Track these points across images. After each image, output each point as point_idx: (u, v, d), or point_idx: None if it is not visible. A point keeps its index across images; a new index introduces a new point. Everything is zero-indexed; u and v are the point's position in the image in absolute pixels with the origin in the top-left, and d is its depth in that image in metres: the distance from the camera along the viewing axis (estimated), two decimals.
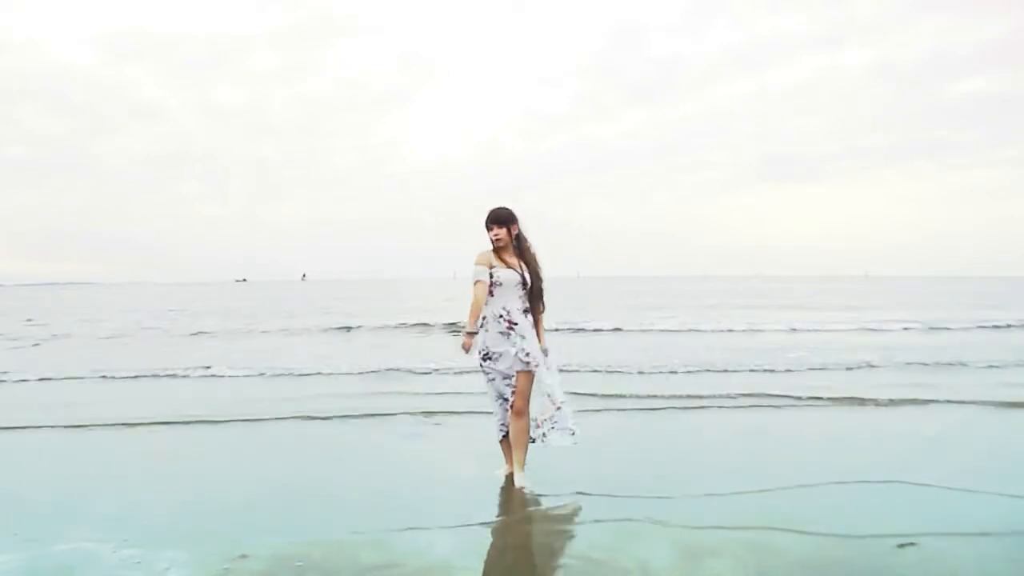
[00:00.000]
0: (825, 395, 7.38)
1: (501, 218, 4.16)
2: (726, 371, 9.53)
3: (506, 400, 4.23)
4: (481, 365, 4.27)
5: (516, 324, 4.15)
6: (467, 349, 4.19)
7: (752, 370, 9.55)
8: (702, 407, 6.93)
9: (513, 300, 4.18)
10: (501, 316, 4.16)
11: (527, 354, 4.11)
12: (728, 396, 7.39)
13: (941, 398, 7.19)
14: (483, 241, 4.25)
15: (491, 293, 4.19)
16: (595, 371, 9.59)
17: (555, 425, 4.19)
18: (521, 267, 4.20)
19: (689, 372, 9.45)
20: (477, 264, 4.16)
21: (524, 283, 4.19)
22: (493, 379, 4.24)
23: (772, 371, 9.47)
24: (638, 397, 7.42)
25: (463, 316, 4.29)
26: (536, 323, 4.28)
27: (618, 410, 6.72)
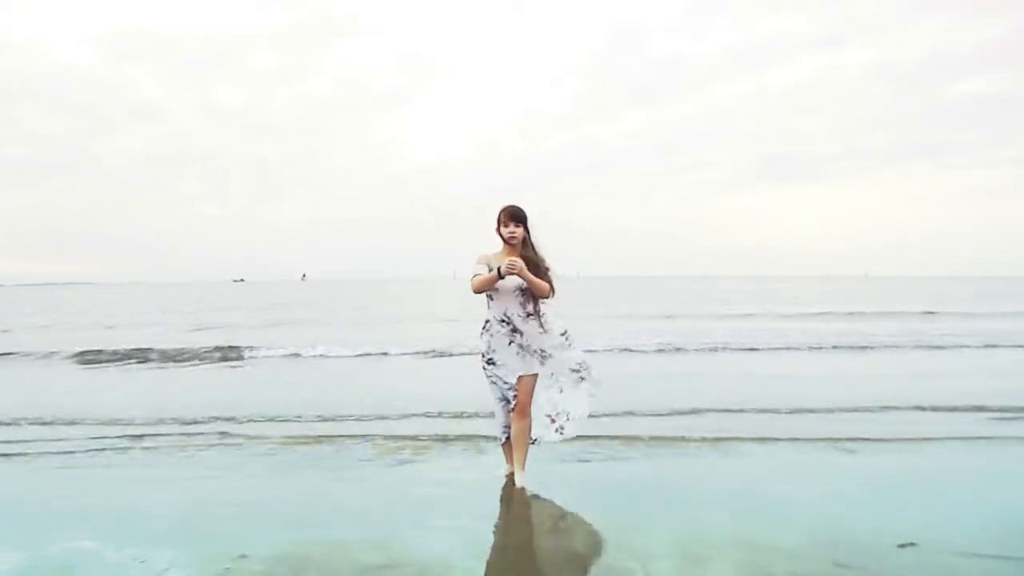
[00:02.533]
0: None
1: (519, 216, 4.10)
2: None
3: (508, 402, 4.22)
4: (484, 368, 4.26)
5: (519, 332, 4.12)
6: (509, 268, 3.91)
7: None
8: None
9: (513, 305, 4.13)
10: (503, 321, 4.14)
11: (542, 351, 4.13)
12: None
13: None
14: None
15: (491, 297, 4.18)
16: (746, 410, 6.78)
17: (569, 416, 4.18)
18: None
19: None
20: (477, 263, 4.10)
21: (524, 288, 4.11)
22: (495, 382, 4.24)
23: None
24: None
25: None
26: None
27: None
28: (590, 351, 4.66)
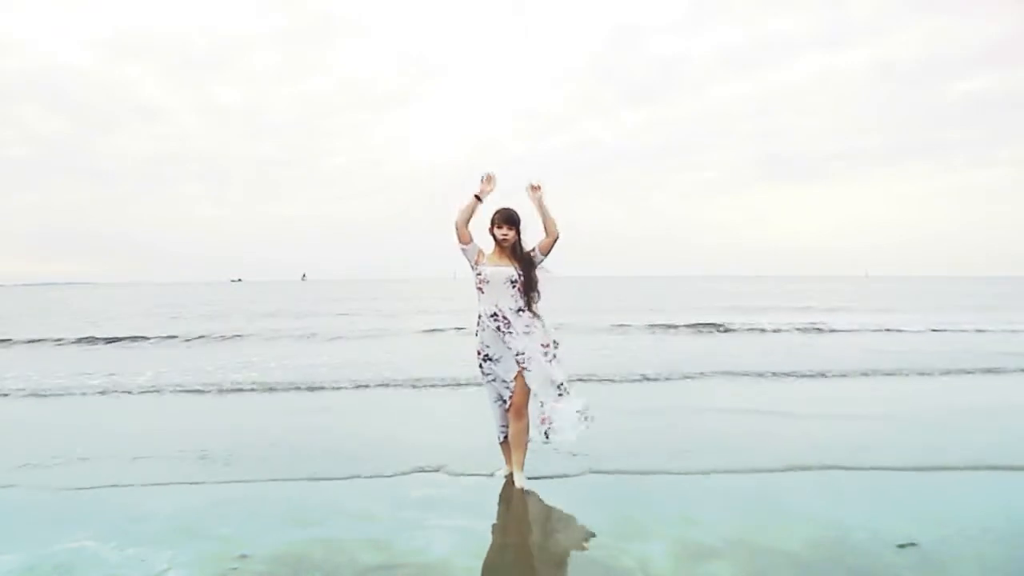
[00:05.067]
0: None
1: (512, 219, 4.17)
2: None
3: (504, 402, 4.23)
4: (480, 366, 4.27)
5: (509, 322, 4.15)
6: (486, 184, 4.12)
7: None
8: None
9: (504, 298, 4.17)
10: (494, 315, 4.17)
11: (519, 353, 4.11)
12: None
13: None
14: (483, 240, 4.25)
15: (481, 290, 4.21)
16: None
17: (552, 425, 4.13)
18: (514, 265, 4.19)
19: None
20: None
21: (514, 280, 4.18)
22: (492, 380, 4.25)
23: None
24: None
25: None
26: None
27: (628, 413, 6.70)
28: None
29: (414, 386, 8.48)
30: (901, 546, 3.28)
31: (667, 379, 9.06)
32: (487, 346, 4.22)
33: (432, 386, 8.49)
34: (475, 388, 7.42)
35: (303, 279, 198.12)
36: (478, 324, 4.28)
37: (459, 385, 8.41)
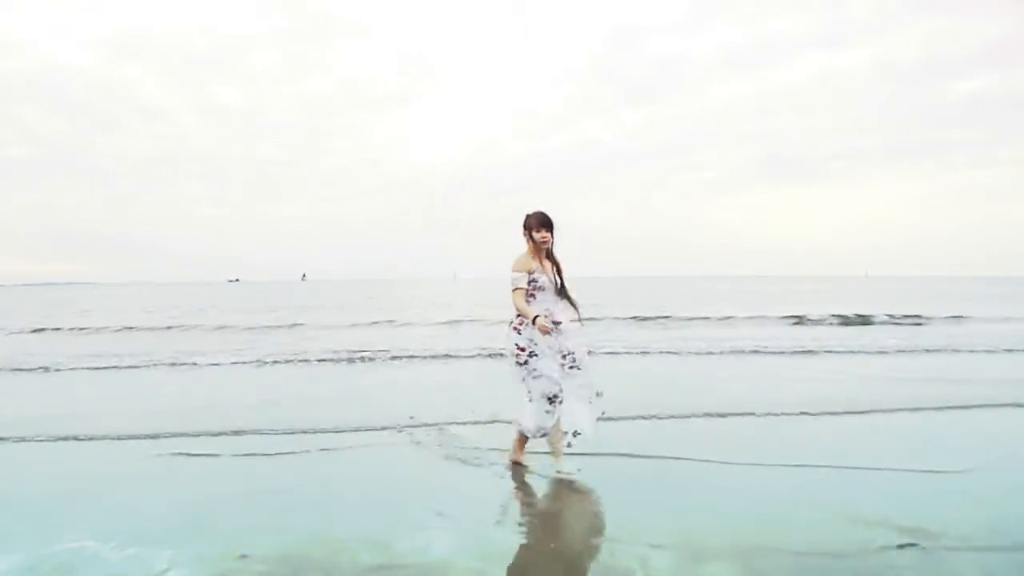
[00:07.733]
0: None
1: (550, 223, 4.27)
2: None
3: (551, 400, 4.24)
4: (526, 363, 4.27)
5: (559, 323, 4.26)
6: (545, 330, 4.15)
7: None
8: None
9: (554, 303, 4.30)
10: (545, 317, 4.22)
11: (570, 353, 4.26)
12: None
13: None
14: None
15: (532, 295, 4.27)
16: None
17: (579, 431, 4.35)
18: (553, 272, 4.33)
19: None
20: (515, 271, 4.24)
21: (559, 288, 4.32)
22: (538, 376, 4.25)
23: None
24: None
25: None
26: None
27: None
28: None
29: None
30: (901, 546, 3.28)
31: None
32: (534, 343, 4.24)
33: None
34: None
35: (303, 279, 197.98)
36: (522, 323, 4.27)
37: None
